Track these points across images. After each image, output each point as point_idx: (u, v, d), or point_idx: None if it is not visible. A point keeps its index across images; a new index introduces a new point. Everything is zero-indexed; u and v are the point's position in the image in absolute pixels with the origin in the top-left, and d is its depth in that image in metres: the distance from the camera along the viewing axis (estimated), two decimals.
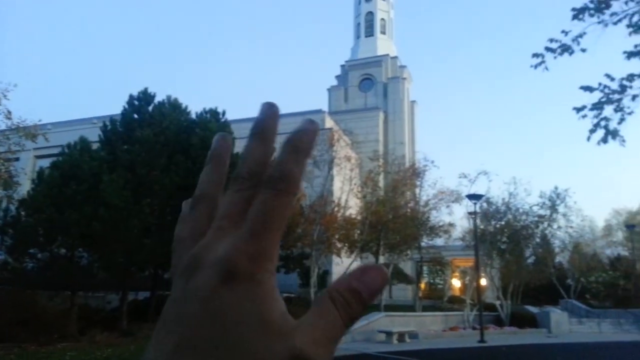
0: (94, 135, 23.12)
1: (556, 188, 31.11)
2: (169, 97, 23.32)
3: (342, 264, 28.36)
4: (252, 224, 0.32)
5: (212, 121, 22.60)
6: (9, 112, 18.77)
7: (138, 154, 20.38)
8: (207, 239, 0.33)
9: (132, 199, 19.51)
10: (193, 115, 23.42)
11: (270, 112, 0.39)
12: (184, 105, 23.61)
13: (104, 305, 24.10)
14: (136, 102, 22.68)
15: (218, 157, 0.42)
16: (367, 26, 64.85)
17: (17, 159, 22.80)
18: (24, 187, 22.54)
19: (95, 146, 22.15)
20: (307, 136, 0.37)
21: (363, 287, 0.32)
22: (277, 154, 0.37)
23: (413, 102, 62.56)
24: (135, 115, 22.49)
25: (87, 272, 21.04)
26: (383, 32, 64.59)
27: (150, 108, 22.70)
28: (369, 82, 60.59)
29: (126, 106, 22.67)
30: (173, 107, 23.08)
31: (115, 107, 23.14)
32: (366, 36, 64.43)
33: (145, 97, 22.78)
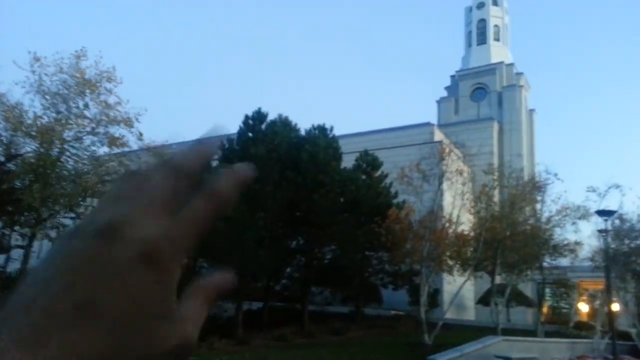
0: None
1: None
2: (280, 116, 24.32)
3: (455, 282, 27.22)
4: (188, 220, 0.34)
5: (321, 137, 23.13)
6: (141, 134, 20.68)
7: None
8: (129, 209, 0.33)
9: (247, 212, 20.51)
10: (302, 132, 24.13)
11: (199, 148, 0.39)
12: (293, 123, 24.46)
13: (220, 313, 25.42)
14: (250, 122, 23.96)
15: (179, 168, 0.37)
16: (479, 34, 62.58)
17: None
18: None
19: (214, 164, 23.66)
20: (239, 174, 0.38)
21: (214, 286, 0.35)
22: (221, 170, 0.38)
23: (531, 110, 58.94)
24: (250, 134, 23.73)
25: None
26: (497, 39, 61.86)
27: (263, 126, 23.86)
28: (482, 92, 58.18)
29: (242, 125, 24.02)
30: (284, 125, 24.02)
31: (233, 126, 24.66)
32: (478, 44, 62.14)
33: (259, 116, 23.98)
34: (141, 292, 0.30)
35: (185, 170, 0.36)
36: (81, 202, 20.36)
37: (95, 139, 20.52)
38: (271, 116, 24.17)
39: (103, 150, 21.13)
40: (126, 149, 21.36)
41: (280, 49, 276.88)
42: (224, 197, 0.36)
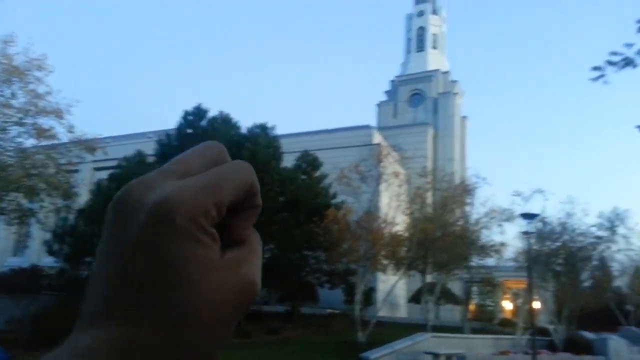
0: (149, 149, 24.09)
1: (615, 209, 29.65)
2: (221, 113, 24.03)
3: (388, 281, 27.99)
4: (206, 176, 0.33)
5: (262, 136, 23.07)
6: (72, 127, 19.78)
7: None
8: (152, 177, 0.34)
9: None
10: (243, 130, 23.97)
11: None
12: (234, 120, 24.24)
13: None
14: (190, 117, 23.52)
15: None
16: (418, 41, 64.55)
17: (76, 171, 23.94)
18: (83, 197, 23.63)
19: (151, 159, 23.05)
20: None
21: (247, 221, 0.35)
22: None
23: (464, 117, 61.48)
24: (189, 130, 23.29)
25: None
26: (434, 47, 64.08)
27: (203, 123, 23.47)
28: (419, 98, 60.10)
29: (181, 121, 23.52)
30: (225, 122, 23.75)
31: (170, 122, 24.08)
32: (417, 51, 64.11)
33: (199, 112, 23.58)
34: (173, 251, 0.30)
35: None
36: (4, 197, 19.22)
37: (22, 129, 19.39)
38: (212, 113, 23.87)
39: (30, 142, 20.05)
40: (55, 142, 20.35)
41: (225, 47, 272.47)
42: (242, 168, 0.35)
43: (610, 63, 7.88)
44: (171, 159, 0.36)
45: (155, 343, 0.30)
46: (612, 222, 29.81)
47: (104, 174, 26.04)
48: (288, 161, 24.66)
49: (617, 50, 7.87)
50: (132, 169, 21.64)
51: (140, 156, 22.63)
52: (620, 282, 42.48)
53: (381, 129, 50.47)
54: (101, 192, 21.88)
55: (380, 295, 30.03)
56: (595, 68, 7.99)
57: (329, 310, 28.45)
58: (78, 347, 0.29)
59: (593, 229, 29.77)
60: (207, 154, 0.36)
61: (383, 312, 27.47)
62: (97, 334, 0.30)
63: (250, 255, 0.34)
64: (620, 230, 29.86)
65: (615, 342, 27.59)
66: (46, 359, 0.29)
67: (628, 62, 7.81)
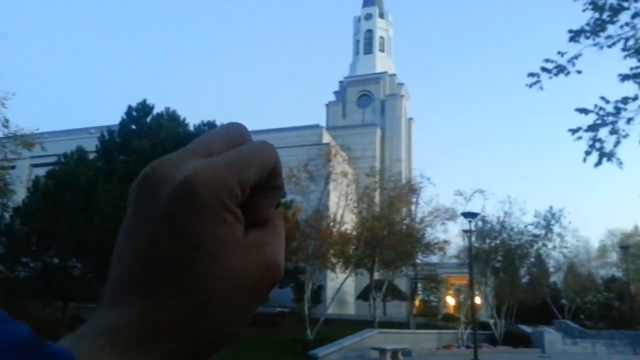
0: (91, 145, 23.15)
1: (551, 208, 31.21)
2: (167, 109, 23.43)
3: (337, 279, 28.25)
4: (230, 155, 0.33)
5: None
6: (7, 121, 18.88)
7: (135, 165, 20.37)
8: (175, 156, 0.33)
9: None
10: (191, 128, 23.49)
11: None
12: (182, 117, 23.70)
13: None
14: (134, 113, 22.78)
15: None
16: (366, 43, 65.52)
17: (13, 167, 22.76)
18: (19, 195, 22.48)
19: (92, 156, 22.16)
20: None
21: (270, 204, 0.35)
22: None
23: (410, 119, 62.93)
24: (133, 126, 22.56)
25: (80, 282, 20.88)
26: (382, 50, 65.25)
27: (148, 119, 22.80)
28: (367, 99, 61.03)
29: (124, 117, 22.76)
30: (171, 118, 23.17)
31: (113, 117, 23.22)
32: (365, 53, 65.06)
33: (144, 108, 22.88)
34: (196, 228, 0.30)
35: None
36: None
37: None
38: (158, 109, 23.22)
39: None
40: None
41: (174, 45, 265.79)
42: (265, 148, 0.35)
43: (545, 70, 8.27)
44: (192, 141, 0.35)
45: (177, 320, 0.30)
46: (548, 221, 31.27)
47: (42, 171, 24.82)
48: None
49: (551, 58, 8.29)
50: (72, 165, 20.71)
51: (80, 152, 21.67)
52: (556, 278, 44.83)
53: (330, 128, 50.83)
54: (39, 190, 20.81)
55: (329, 293, 30.25)
56: (531, 74, 8.36)
57: (278, 309, 28.37)
58: (102, 325, 0.30)
59: (530, 228, 31.22)
60: (229, 134, 0.36)
61: (332, 310, 27.71)
62: (120, 311, 0.30)
63: (273, 237, 0.34)
64: (556, 228, 31.39)
65: (551, 335, 29.14)
66: (70, 338, 0.29)
67: (561, 70, 8.22)
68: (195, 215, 0.30)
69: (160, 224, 0.31)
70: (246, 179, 0.32)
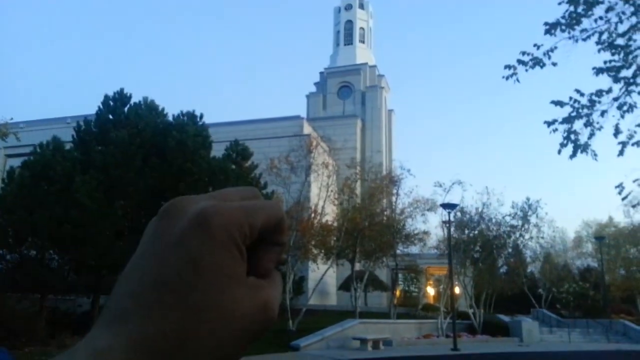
0: (67, 135, 22.69)
1: (528, 199, 31.64)
2: (145, 99, 23.07)
3: (319, 270, 28.35)
4: (243, 203, 0.37)
5: (189, 124, 22.41)
6: None
7: (112, 156, 20.07)
8: (194, 196, 0.37)
9: (105, 200, 19.18)
10: (170, 118, 23.18)
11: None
12: (160, 107, 23.37)
13: (74, 308, 23.57)
14: (111, 103, 22.38)
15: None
16: (346, 34, 65.35)
17: None
18: None
19: (68, 146, 21.73)
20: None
21: (275, 257, 0.38)
22: None
23: (390, 111, 63.14)
24: (110, 116, 22.18)
25: (58, 274, 20.59)
26: (362, 41, 65.16)
27: (125, 109, 22.42)
28: (348, 90, 60.99)
29: (101, 106, 22.34)
30: (149, 108, 22.83)
31: (90, 107, 22.76)
32: (345, 44, 64.92)
33: (121, 97, 22.49)
34: (203, 254, 0.32)
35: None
36: None
37: None
38: (135, 98, 22.82)
39: None
40: None
41: (154, 34, 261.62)
42: (275, 204, 0.38)
43: (521, 62, 8.34)
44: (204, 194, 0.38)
45: (169, 344, 0.31)
46: (525, 212, 31.70)
47: (17, 162, 24.27)
48: (218, 151, 24.19)
49: (528, 50, 8.36)
50: (47, 155, 20.27)
51: (57, 143, 21.19)
52: (533, 268, 45.69)
53: (311, 119, 50.77)
54: (14, 181, 20.36)
55: (310, 283, 30.35)
56: (507, 67, 8.42)
57: None
58: (97, 345, 0.30)
59: (508, 219, 31.64)
60: (243, 192, 0.39)
61: (313, 301, 27.82)
62: (117, 331, 0.31)
63: (271, 286, 0.36)
64: (533, 219, 31.83)
65: (528, 324, 29.69)
66: (62, 357, 0.30)
67: (537, 62, 8.30)
68: (204, 242, 0.33)
69: (173, 248, 0.33)
70: (255, 222, 0.35)
